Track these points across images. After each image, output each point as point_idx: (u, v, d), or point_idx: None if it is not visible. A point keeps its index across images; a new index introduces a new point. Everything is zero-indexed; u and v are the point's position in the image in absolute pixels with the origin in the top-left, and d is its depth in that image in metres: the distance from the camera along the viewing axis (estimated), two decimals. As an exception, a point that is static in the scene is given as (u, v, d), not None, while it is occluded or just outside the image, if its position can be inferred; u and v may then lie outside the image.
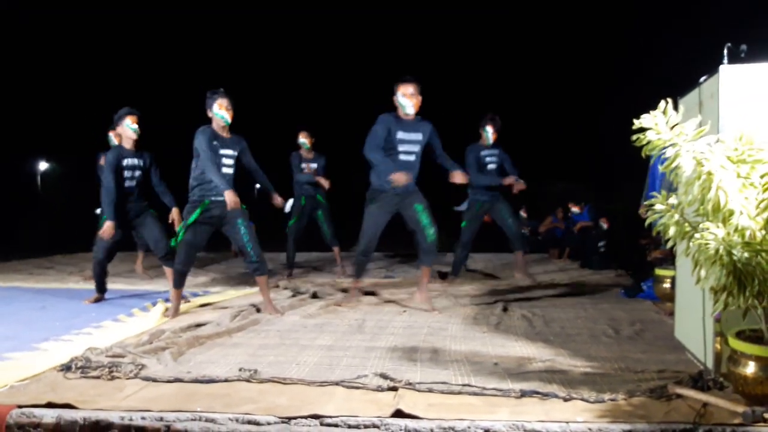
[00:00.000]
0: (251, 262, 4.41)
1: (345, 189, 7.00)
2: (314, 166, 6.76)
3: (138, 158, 4.93)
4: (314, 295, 5.23)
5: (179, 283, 4.46)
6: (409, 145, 4.43)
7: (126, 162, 4.89)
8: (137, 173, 4.94)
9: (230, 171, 4.37)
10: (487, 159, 5.91)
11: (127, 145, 4.90)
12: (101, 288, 5.27)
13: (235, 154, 4.40)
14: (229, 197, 4.16)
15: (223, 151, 4.32)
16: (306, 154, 6.77)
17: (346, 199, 7.26)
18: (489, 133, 5.83)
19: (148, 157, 5.01)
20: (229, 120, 4.31)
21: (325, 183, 6.68)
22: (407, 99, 4.34)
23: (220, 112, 4.26)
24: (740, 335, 2.32)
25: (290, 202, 6.90)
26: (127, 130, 4.85)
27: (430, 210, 4.50)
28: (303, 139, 6.71)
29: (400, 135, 4.38)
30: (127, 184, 4.91)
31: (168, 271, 5.06)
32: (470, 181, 5.87)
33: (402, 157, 4.41)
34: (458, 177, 4.46)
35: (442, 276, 6.17)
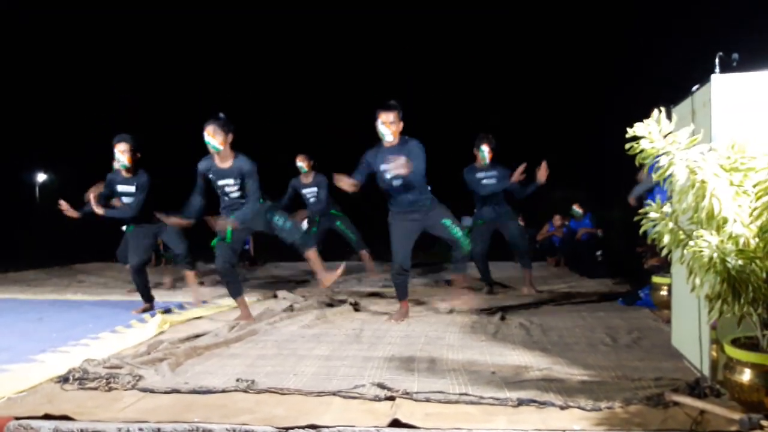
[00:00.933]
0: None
1: (348, 201, 7.05)
2: (314, 190, 6.75)
3: (128, 184, 4.96)
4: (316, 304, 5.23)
5: (230, 292, 4.60)
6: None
7: (119, 188, 4.99)
8: (130, 200, 4.98)
9: (236, 199, 4.35)
10: (484, 181, 5.80)
11: (122, 171, 4.97)
12: (147, 297, 5.27)
13: (238, 181, 4.32)
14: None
15: (221, 182, 4.35)
16: (304, 179, 6.77)
17: (352, 210, 7.35)
18: (485, 152, 5.67)
19: (139, 181, 4.96)
20: (218, 146, 4.20)
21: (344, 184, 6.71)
22: (385, 127, 4.29)
23: (207, 139, 4.22)
24: (736, 343, 2.33)
25: (304, 224, 7.02)
26: (115, 159, 4.92)
27: (456, 221, 4.52)
28: (300, 163, 6.71)
29: (383, 167, 4.36)
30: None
31: (188, 274, 5.59)
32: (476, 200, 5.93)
33: (395, 183, 4.39)
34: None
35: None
